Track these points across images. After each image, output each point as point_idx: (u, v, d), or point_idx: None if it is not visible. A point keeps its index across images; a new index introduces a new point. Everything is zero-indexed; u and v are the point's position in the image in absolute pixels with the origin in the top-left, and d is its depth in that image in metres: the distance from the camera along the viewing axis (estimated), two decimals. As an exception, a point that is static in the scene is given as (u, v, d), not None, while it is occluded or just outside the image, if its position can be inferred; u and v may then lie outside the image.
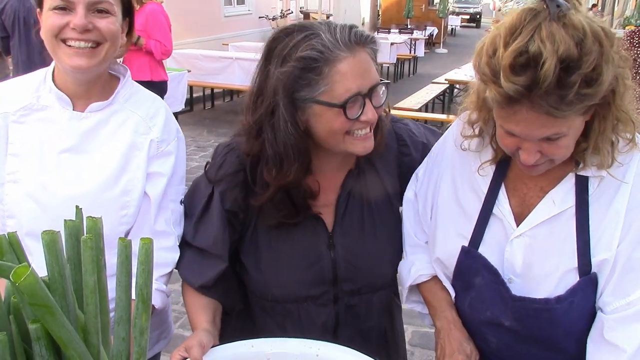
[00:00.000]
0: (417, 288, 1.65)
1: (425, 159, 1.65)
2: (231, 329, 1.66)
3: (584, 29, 1.13)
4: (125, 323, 0.75)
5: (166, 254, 1.65)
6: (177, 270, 1.68)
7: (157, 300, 1.63)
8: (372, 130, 1.48)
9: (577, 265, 1.33)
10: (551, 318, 1.36)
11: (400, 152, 1.68)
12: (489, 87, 1.19)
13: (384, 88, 1.47)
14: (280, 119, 1.43)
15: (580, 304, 1.34)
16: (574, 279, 1.34)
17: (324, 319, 1.60)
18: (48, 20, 1.50)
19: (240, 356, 1.39)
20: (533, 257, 1.38)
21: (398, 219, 1.69)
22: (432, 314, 1.59)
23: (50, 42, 1.53)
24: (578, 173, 1.34)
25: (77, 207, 0.80)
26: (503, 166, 1.44)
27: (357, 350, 1.38)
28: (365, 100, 1.41)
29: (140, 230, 1.64)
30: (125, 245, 0.73)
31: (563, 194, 1.36)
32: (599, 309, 1.34)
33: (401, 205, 1.69)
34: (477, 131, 1.44)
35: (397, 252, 1.68)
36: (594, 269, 1.32)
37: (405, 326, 4.13)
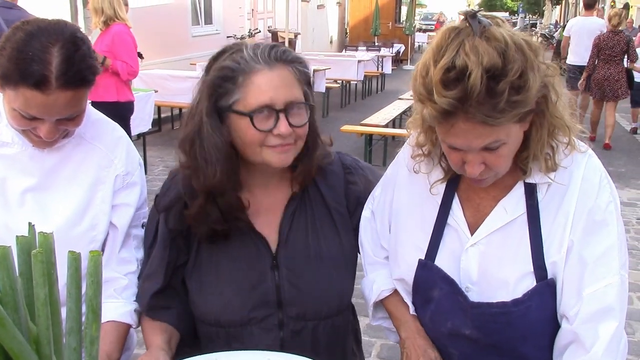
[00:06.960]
0: (381, 304, 1.66)
1: (381, 179, 1.67)
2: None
3: (506, 40, 1.19)
4: (76, 333, 0.77)
5: (133, 278, 1.68)
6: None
7: (135, 320, 1.66)
8: (295, 145, 1.50)
9: (532, 270, 1.37)
10: (509, 322, 1.38)
11: (347, 180, 1.68)
12: (425, 106, 1.23)
13: (305, 109, 1.49)
14: (204, 127, 1.46)
15: (538, 308, 1.37)
16: (530, 283, 1.37)
17: (268, 342, 1.55)
18: None
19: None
20: (488, 265, 1.41)
21: (345, 250, 1.66)
22: (397, 325, 1.61)
23: None
24: (526, 181, 1.38)
25: (29, 223, 0.83)
26: (455, 178, 1.48)
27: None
28: (279, 115, 1.43)
29: (110, 259, 1.65)
30: (74, 258, 0.76)
31: (514, 202, 1.40)
32: (563, 317, 1.37)
33: (349, 238, 1.68)
34: (425, 152, 1.47)
35: (343, 282, 1.65)
36: (549, 273, 1.36)
37: (373, 339, 4.16)
